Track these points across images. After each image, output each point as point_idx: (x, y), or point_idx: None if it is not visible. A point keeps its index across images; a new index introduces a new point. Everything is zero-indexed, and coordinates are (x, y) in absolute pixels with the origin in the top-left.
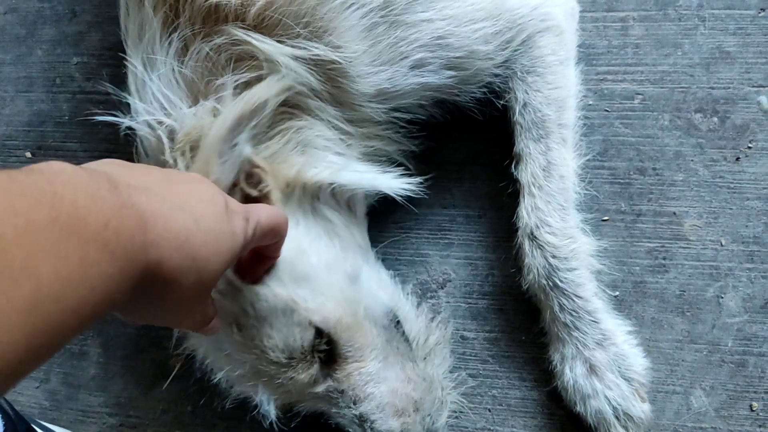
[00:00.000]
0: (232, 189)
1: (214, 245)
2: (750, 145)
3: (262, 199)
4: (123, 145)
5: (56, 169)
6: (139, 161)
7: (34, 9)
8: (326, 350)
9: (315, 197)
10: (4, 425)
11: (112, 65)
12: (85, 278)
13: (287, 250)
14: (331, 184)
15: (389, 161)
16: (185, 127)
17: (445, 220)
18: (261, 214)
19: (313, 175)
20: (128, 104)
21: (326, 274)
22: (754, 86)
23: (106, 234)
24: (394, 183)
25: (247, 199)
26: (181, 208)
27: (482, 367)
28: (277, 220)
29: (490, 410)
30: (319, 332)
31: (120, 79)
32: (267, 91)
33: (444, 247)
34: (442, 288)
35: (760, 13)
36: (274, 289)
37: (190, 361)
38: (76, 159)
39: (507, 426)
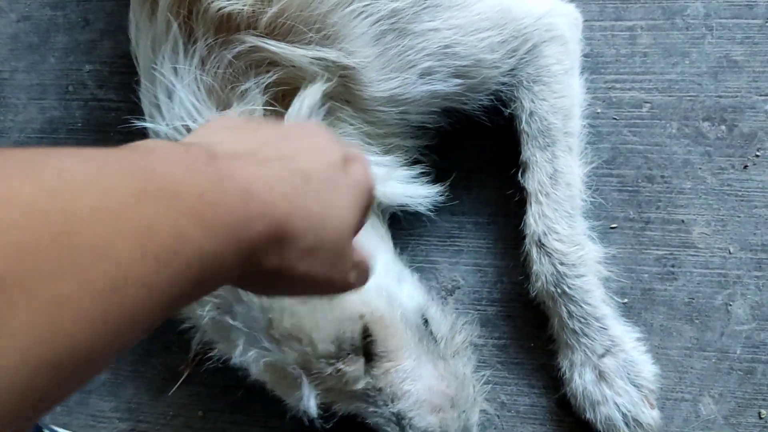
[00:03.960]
0: None
1: (330, 199)
2: (758, 153)
3: None
4: None
5: (150, 145)
6: None
7: (47, 17)
8: (367, 343)
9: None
10: None
11: (125, 73)
12: (178, 255)
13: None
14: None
15: (409, 157)
16: None
17: (454, 228)
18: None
19: None
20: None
21: (382, 276)
22: (761, 95)
23: (200, 207)
24: (425, 191)
25: None
26: (287, 167)
27: (491, 374)
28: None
29: (499, 417)
30: (364, 327)
31: (131, 87)
32: (322, 86)
33: (453, 254)
34: (451, 295)
35: (767, 22)
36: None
37: (199, 366)
38: None
39: None
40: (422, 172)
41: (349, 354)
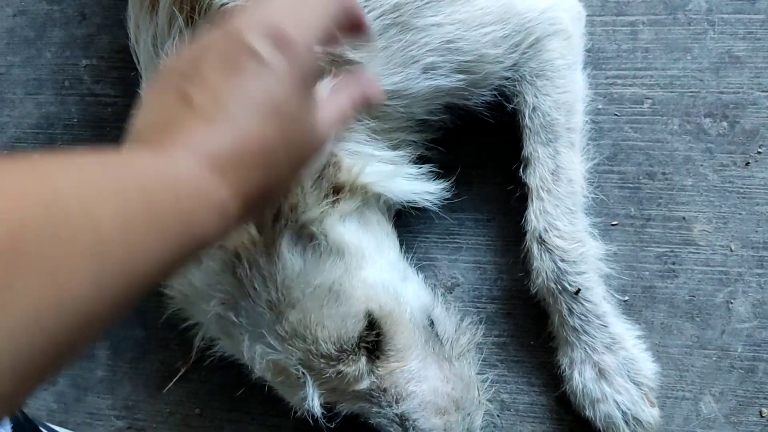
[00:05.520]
0: (318, 179)
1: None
2: (760, 150)
3: (342, 191)
4: None
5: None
6: None
7: (44, 11)
8: (374, 342)
9: (376, 199)
10: (12, 427)
11: (121, 68)
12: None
13: (356, 243)
14: (382, 193)
15: (416, 152)
16: None
17: (453, 224)
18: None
19: (368, 179)
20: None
21: (388, 273)
22: (763, 91)
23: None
24: (432, 188)
25: (335, 189)
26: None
27: (491, 372)
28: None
29: (498, 415)
30: (371, 324)
31: (128, 82)
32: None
33: (452, 251)
34: (450, 292)
35: None
36: (336, 276)
37: (197, 364)
38: None
39: (515, 431)
40: (428, 169)
41: (349, 355)
